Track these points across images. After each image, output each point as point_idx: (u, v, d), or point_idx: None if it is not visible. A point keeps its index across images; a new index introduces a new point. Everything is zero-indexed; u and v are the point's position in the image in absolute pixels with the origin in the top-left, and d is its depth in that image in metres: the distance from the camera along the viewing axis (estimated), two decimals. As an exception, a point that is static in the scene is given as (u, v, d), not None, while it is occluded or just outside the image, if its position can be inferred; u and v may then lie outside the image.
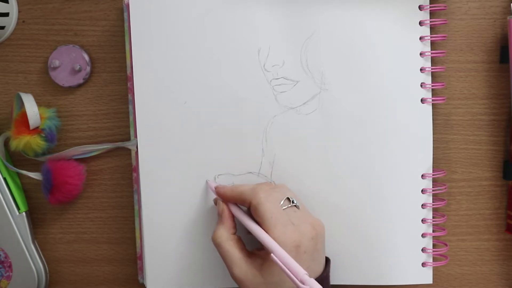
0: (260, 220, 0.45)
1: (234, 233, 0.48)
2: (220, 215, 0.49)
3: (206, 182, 0.53)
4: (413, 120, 0.52)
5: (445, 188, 0.53)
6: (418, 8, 0.52)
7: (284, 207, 0.46)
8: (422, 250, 0.53)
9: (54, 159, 0.54)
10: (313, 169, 0.53)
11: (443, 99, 0.52)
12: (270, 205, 0.45)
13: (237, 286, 0.53)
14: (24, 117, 0.52)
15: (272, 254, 0.42)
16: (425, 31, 0.52)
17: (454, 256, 0.56)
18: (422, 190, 0.53)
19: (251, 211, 0.46)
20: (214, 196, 0.52)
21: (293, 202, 0.47)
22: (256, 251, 0.47)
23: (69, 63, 0.54)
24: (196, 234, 0.54)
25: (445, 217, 0.54)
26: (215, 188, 0.50)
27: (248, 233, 0.46)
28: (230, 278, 0.54)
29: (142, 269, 0.56)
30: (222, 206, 0.49)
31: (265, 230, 0.44)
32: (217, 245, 0.47)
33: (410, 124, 0.52)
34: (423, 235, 0.53)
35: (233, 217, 0.48)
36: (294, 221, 0.46)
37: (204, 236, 0.54)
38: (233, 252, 0.46)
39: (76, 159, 0.55)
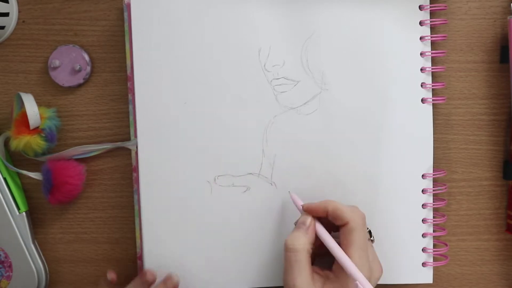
0: (348, 244, 0.44)
1: (312, 248, 0.46)
2: (303, 225, 0.46)
3: (289, 194, 0.51)
4: (413, 120, 0.52)
5: (446, 188, 0.53)
6: (418, 8, 0.52)
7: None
8: (422, 250, 0.53)
9: (54, 159, 0.54)
10: (313, 169, 0.53)
11: (443, 99, 0.52)
12: (363, 234, 0.44)
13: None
14: (24, 117, 0.52)
15: (357, 282, 0.42)
16: (425, 31, 0.52)
17: (454, 256, 0.56)
18: (422, 190, 0.53)
19: (342, 231, 0.45)
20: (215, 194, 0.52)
21: (372, 237, 0.47)
22: (317, 269, 0.46)
23: (69, 63, 0.54)
24: (196, 234, 0.54)
25: (446, 217, 0.54)
26: (303, 206, 0.48)
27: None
28: (230, 278, 0.54)
29: (142, 269, 0.55)
30: (311, 220, 0.46)
31: (347, 255, 0.44)
32: (292, 250, 0.44)
33: (410, 124, 0.52)
34: (423, 235, 0.53)
35: (315, 231, 0.46)
36: (370, 256, 0.45)
37: (204, 236, 0.54)
38: (305, 263, 0.44)
39: (76, 159, 0.55)
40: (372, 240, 0.47)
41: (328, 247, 0.45)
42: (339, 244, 0.45)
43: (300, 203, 0.49)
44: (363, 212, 0.47)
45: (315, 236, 0.46)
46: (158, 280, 0.52)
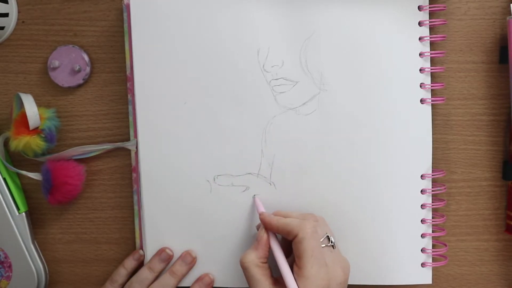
0: (299, 255, 0.45)
1: (265, 262, 0.47)
2: (257, 240, 0.48)
3: (253, 198, 0.53)
4: (412, 121, 0.52)
5: (445, 188, 0.53)
6: (417, 9, 0.52)
7: (323, 245, 0.46)
8: (421, 250, 0.53)
9: (53, 160, 0.54)
10: (312, 170, 0.53)
11: (443, 100, 0.52)
12: (313, 243, 0.45)
13: (235, 286, 0.54)
14: (23, 118, 0.52)
15: None
16: (425, 31, 0.52)
17: (454, 257, 0.56)
18: (421, 191, 0.53)
19: (293, 243, 0.46)
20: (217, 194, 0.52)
21: (331, 242, 0.47)
22: (281, 279, 0.46)
23: (68, 64, 0.54)
24: (196, 233, 0.54)
25: (445, 217, 0.54)
26: (260, 214, 0.49)
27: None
28: (230, 278, 0.54)
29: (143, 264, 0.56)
30: (263, 234, 0.48)
31: (300, 266, 0.44)
32: (245, 269, 0.46)
33: (409, 124, 0.52)
34: (422, 236, 0.53)
35: (269, 245, 0.48)
36: (329, 262, 0.45)
37: (204, 235, 0.54)
38: (259, 279, 0.45)
39: (76, 160, 0.55)
40: (332, 246, 0.47)
41: (275, 259, 0.46)
42: (294, 256, 0.46)
43: (261, 210, 0.51)
44: (317, 218, 0.48)
45: (267, 250, 0.47)
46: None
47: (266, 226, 0.48)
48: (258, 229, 0.51)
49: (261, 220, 0.49)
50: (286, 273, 0.45)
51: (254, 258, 0.47)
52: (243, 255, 0.47)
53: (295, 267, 0.45)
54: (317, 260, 0.44)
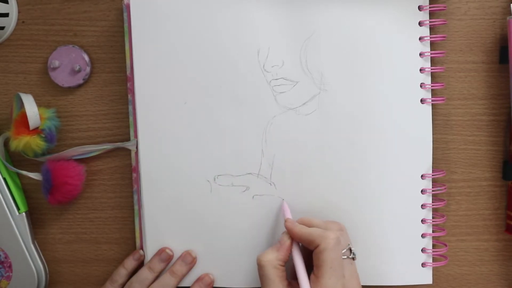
0: (319, 265, 0.44)
1: (283, 265, 0.47)
2: (280, 243, 0.48)
3: (282, 201, 0.53)
4: (412, 121, 0.52)
5: (445, 188, 0.53)
6: (417, 9, 0.52)
7: (344, 257, 0.46)
8: (422, 250, 0.53)
9: (53, 160, 0.54)
10: (312, 170, 0.53)
11: (443, 100, 0.52)
12: (334, 254, 0.44)
13: (235, 286, 0.54)
14: (24, 118, 0.52)
15: None
16: (425, 31, 0.52)
17: (454, 257, 0.56)
18: (421, 191, 0.53)
19: (314, 253, 0.45)
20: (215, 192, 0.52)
21: (353, 254, 0.47)
22: (294, 283, 0.47)
23: (68, 64, 0.54)
24: (196, 233, 0.54)
25: (445, 217, 0.54)
26: (286, 221, 0.49)
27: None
28: (230, 278, 0.54)
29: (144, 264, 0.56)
30: (287, 239, 0.48)
31: (318, 275, 0.44)
32: (261, 267, 0.46)
33: (409, 124, 0.52)
34: (422, 236, 0.53)
35: (290, 250, 0.48)
36: (347, 274, 0.45)
37: (204, 235, 0.54)
38: (273, 280, 0.45)
39: (76, 160, 0.55)
40: (353, 258, 0.47)
41: (295, 267, 0.46)
42: (313, 265, 0.45)
43: (288, 215, 0.50)
44: (341, 226, 0.48)
45: (287, 254, 0.47)
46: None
47: (290, 234, 0.48)
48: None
49: (286, 227, 0.49)
50: (303, 280, 0.44)
51: (273, 259, 0.46)
52: (262, 253, 0.47)
53: (312, 276, 0.45)
54: (335, 272, 0.44)
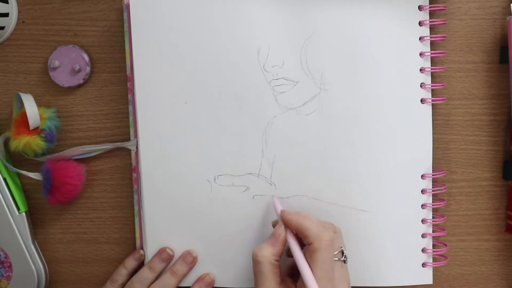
0: (309, 263, 0.44)
1: (277, 260, 0.46)
2: (273, 236, 0.47)
3: (273, 198, 0.53)
4: (413, 120, 0.52)
5: (445, 188, 0.53)
6: (417, 8, 0.52)
7: (335, 259, 0.45)
8: (422, 250, 0.53)
9: (54, 159, 0.54)
10: (312, 170, 0.53)
11: (443, 99, 0.52)
12: (327, 256, 0.44)
13: (235, 286, 0.54)
14: (24, 118, 0.52)
15: None
16: (425, 31, 0.52)
17: (454, 257, 0.56)
18: (422, 191, 0.53)
19: (306, 250, 0.45)
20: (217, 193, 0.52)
21: (345, 257, 0.46)
22: (287, 279, 0.47)
23: (69, 64, 0.54)
24: (196, 233, 0.54)
25: (445, 217, 0.54)
26: (281, 211, 0.49)
27: (290, 257, 0.46)
28: (230, 278, 0.54)
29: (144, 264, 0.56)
30: (281, 231, 0.47)
31: None
32: (256, 263, 0.46)
33: (410, 124, 0.52)
34: (423, 236, 0.53)
35: (285, 244, 0.47)
36: (337, 276, 0.45)
37: (205, 235, 0.54)
38: (267, 275, 0.45)
39: (76, 159, 0.55)
40: (344, 261, 0.46)
41: (296, 262, 0.45)
42: None
43: (280, 208, 0.50)
44: (336, 229, 0.48)
45: (282, 249, 0.47)
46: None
47: (286, 224, 0.47)
48: (274, 226, 0.50)
49: (282, 217, 0.47)
50: (307, 273, 0.43)
51: (269, 255, 0.46)
52: (257, 248, 0.46)
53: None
54: (325, 273, 0.44)
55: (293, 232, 0.47)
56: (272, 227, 0.53)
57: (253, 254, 0.46)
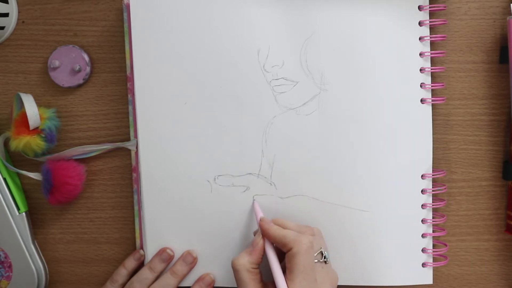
0: (291, 268, 0.44)
1: (256, 268, 0.47)
2: (251, 245, 0.48)
3: (253, 202, 0.53)
4: (413, 120, 0.52)
5: (445, 188, 0.53)
6: (417, 8, 0.52)
7: (315, 261, 0.46)
8: (422, 250, 0.53)
9: (54, 160, 0.54)
10: (312, 170, 0.53)
11: (443, 100, 0.52)
12: (306, 258, 0.44)
13: (235, 286, 0.54)
14: (24, 118, 0.52)
15: None
16: (425, 31, 0.52)
17: (454, 257, 0.56)
18: (422, 191, 0.53)
19: (286, 256, 0.45)
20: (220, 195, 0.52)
21: (325, 258, 0.47)
22: (269, 284, 0.47)
23: (69, 64, 0.54)
24: (196, 233, 0.54)
25: (445, 217, 0.54)
26: (260, 219, 0.49)
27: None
28: (231, 278, 0.54)
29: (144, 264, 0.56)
30: (259, 240, 0.48)
31: (290, 278, 0.44)
32: (235, 271, 0.46)
33: (410, 124, 0.52)
34: (423, 236, 0.53)
35: (263, 252, 0.48)
36: (319, 278, 0.45)
37: (205, 235, 0.54)
38: (248, 283, 0.46)
39: (76, 160, 0.55)
40: (325, 262, 0.47)
41: (271, 269, 0.46)
42: (285, 267, 0.45)
43: (259, 215, 0.50)
44: (315, 231, 0.48)
45: (260, 257, 0.47)
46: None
47: (264, 233, 0.48)
48: (254, 235, 0.50)
49: (260, 226, 0.48)
50: (280, 280, 0.44)
51: (245, 263, 0.46)
52: (235, 257, 0.47)
53: (285, 279, 0.45)
54: (307, 276, 0.44)
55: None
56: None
57: (232, 263, 0.47)
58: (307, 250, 0.45)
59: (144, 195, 0.54)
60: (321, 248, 0.47)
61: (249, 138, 0.53)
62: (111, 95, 0.56)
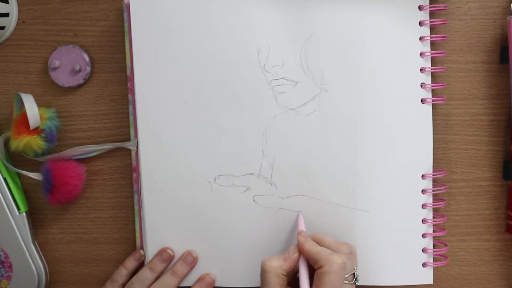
0: (318, 285, 0.44)
1: (285, 275, 0.47)
2: (288, 252, 0.48)
3: (299, 213, 0.53)
4: (413, 120, 0.52)
5: (445, 188, 0.53)
6: (418, 8, 0.52)
7: (345, 282, 0.45)
8: (422, 250, 0.53)
9: (54, 159, 0.54)
10: (313, 170, 0.53)
11: (443, 100, 0.52)
12: (336, 278, 0.44)
13: (235, 286, 0.54)
14: (24, 118, 0.52)
15: None
16: (425, 31, 0.52)
17: (454, 257, 0.56)
18: (422, 191, 0.53)
19: (316, 272, 0.45)
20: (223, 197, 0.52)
21: (356, 280, 0.47)
22: None
23: (69, 64, 0.54)
24: (197, 233, 0.54)
25: (445, 217, 0.54)
26: (298, 232, 0.49)
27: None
28: (231, 278, 0.54)
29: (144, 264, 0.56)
30: (295, 253, 0.48)
31: None
32: (264, 272, 0.46)
33: (410, 124, 0.52)
34: (423, 236, 0.53)
35: (296, 263, 0.47)
36: None
37: (205, 235, 0.54)
38: (273, 285, 0.45)
39: (76, 159, 0.55)
40: (354, 283, 0.47)
41: (300, 283, 0.46)
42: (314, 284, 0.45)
43: (300, 228, 0.50)
44: (352, 249, 0.48)
45: (293, 266, 0.47)
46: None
47: (299, 247, 0.48)
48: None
49: (298, 240, 0.48)
50: None
51: (277, 267, 0.46)
52: (268, 258, 0.47)
53: None
54: None
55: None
56: (273, 229, 0.53)
57: (262, 262, 0.47)
58: (337, 270, 0.44)
59: (144, 195, 0.54)
60: (354, 269, 0.47)
61: (249, 138, 0.53)
62: (111, 95, 0.56)
